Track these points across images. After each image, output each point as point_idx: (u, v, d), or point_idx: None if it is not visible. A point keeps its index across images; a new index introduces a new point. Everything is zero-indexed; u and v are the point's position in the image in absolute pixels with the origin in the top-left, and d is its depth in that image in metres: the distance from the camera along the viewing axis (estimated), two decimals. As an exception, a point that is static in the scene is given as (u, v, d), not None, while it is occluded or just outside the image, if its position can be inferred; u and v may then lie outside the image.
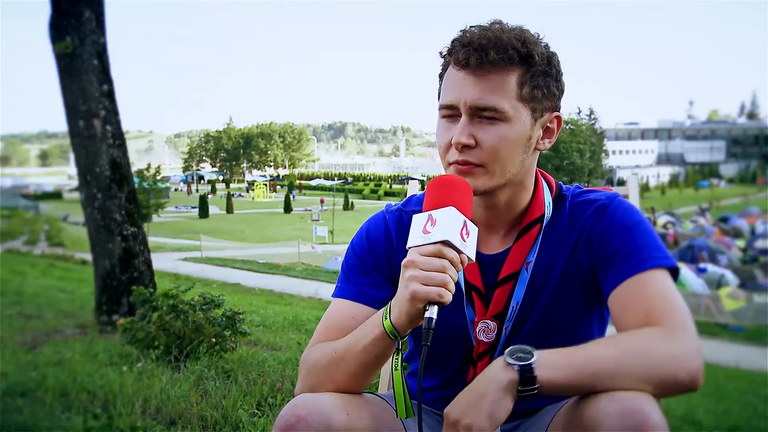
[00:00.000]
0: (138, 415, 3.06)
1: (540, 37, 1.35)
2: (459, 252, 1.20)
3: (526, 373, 1.13)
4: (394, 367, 1.26)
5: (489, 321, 1.40)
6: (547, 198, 1.43)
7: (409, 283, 1.18)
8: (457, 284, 1.22)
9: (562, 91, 1.38)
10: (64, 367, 4.08)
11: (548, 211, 1.42)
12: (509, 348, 1.17)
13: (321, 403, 1.24)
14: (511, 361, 1.15)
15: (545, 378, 1.14)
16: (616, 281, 1.30)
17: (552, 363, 1.15)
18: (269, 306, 10.18)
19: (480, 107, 1.30)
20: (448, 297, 1.18)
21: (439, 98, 1.38)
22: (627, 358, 1.15)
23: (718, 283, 21.62)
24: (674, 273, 1.30)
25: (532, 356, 1.15)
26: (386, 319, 1.25)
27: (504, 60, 1.29)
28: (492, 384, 1.15)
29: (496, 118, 1.30)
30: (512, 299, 1.39)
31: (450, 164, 1.34)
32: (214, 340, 4.10)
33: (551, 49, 1.36)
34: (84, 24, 5.85)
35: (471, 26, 1.34)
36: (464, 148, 1.31)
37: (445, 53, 1.36)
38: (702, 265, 24.71)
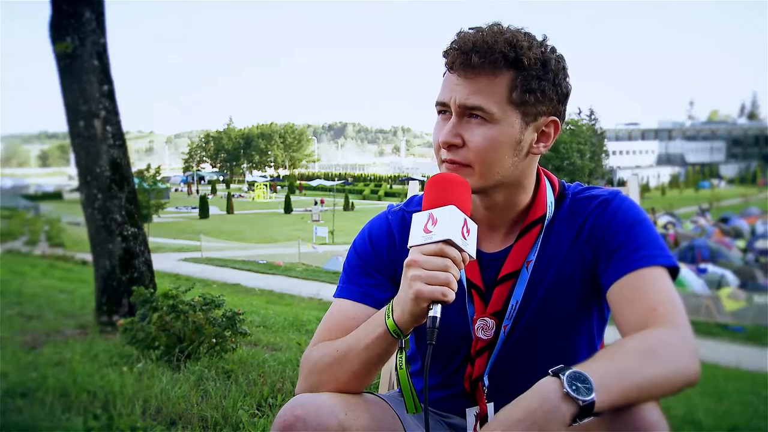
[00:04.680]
0: (138, 415, 3.06)
1: (545, 40, 1.34)
2: (460, 250, 1.20)
3: (588, 408, 1.05)
4: (399, 366, 1.26)
5: (487, 318, 1.41)
6: (550, 197, 1.44)
7: (412, 282, 1.19)
8: (459, 282, 1.22)
9: (563, 95, 1.36)
10: (65, 367, 4.08)
11: (550, 211, 1.42)
12: (564, 372, 1.06)
13: (320, 403, 1.24)
14: (573, 393, 1.04)
15: (602, 405, 1.06)
16: (618, 274, 1.30)
17: (604, 388, 1.07)
18: (269, 306, 10.17)
19: (468, 107, 1.31)
20: (451, 296, 1.18)
21: None
22: (658, 367, 1.13)
23: (718, 284, 21.62)
24: (674, 272, 1.31)
25: (592, 387, 1.05)
26: (389, 317, 1.25)
27: (488, 64, 1.29)
28: (551, 419, 1.04)
29: (483, 118, 1.31)
30: (512, 298, 1.40)
31: (442, 162, 1.35)
32: (214, 340, 4.09)
33: (556, 52, 1.34)
34: (84, 24, 5.85)
35: (469, 28, 1.34)
36: (451, 147, 1.33)
37: (443, 54, 1.37)
38: (702, 266, 24.71)
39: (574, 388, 1.05)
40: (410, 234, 1.23)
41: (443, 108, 1.36)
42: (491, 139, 1.31)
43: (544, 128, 1.37)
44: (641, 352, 1.14)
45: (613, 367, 1.11)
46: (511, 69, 1.30)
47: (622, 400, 1.09)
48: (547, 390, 1.06)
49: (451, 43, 1.34)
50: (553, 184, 1.47)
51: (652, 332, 1.19)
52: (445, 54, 1.34)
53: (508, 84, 1.30)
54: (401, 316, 1.23)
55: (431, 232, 1.20)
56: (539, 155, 1.40)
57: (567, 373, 1.06)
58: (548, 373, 1.08)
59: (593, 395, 1.05)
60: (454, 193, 1.25)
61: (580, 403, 1.04)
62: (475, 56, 1.28)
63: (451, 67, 1.32)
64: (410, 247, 1.22)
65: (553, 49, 1.35)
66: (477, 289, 1.42)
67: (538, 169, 1.44)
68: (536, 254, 1.40)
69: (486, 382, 1.42)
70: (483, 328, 1.41)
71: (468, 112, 1.31)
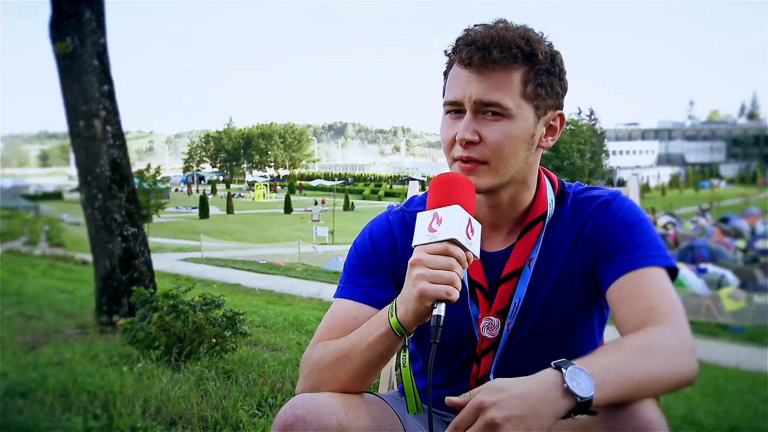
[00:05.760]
0: (138, 415, 3.06)
1: (544, 36, 1.36)
2: (465, 249, 1.21)
3: (584, 404, 1.06)
4: (402, 364, 1.27)
5: (492, 317, 1.41)
6: (550, 195, 1.45)
7: (416, 281, 1.19)
8: (462, 281, 1.22)
9: (565, 90, 1.39)
10: (65, 367, 4.08)
11: (551, 209, 1.43)
12: (567, 367, 1.07)
13: (320, 403, 1.24)
14: (573, 389, 1.05)
15: (597, 402, 1.07)
16: (617, 274, 1.31)
17: (602, 383, 1.08)
18: (269, 306, 10.16)
19: (485, 102, 1.31)
20: (455, 294, 1.18)
21: (443, 96, 1.39)
22: (656, 365, 1.14)
23: (718, 284, 21.64)
24: (673, 273, 1.32)
25: (592, 385, 1.06)
26: (392, 316, 1.25)
27: (507, 58, 1.29)
28: (547, 406, 1.05)
29: (500, 114, 1.31)
30: (515, 295, 1.40)
31: (455, 160, 1.35)
32: (214, 340, 4.09)
33: (555, 48, 1.37)
34: (84, 24, 5.84)
35: (476, 25, 1.35)
36: (468, 144, 1.32)
37: (449, 52, 1.36)
38: (702, 266, 24.71)
39: (574, 383, 1.06)
40: (415, 233, 1.24)
41: (455, 107, 1.35)
42: (508, 134, 1.32)
43: (551, 122, 1.39)
44: (639, 349, 1.15)
45: (611, 363, 1.12)
46: (525, 63, 1.31)
47: (619, 397, 1.10)
48: (548, 381, 1.07)
49: (460, 39, 1.33)
50: (552, 182, 1.47)
51: (651, 330, 1.20)
52: (455, 51, 1.34)
53: (522, 78, 1.31)
54: (405, 314, 1.23)
55: (436, 231, 1.21)
56: (543, 150, 1.41)
57: (569, 368, 1.07)
58: (551, 365, 1.09)
59: (592, 393, 1.06)
60: (458, 193, 1.25)
61: (578, 400, 1.06)
62: (495, 51, 1.29)
63: (468, 63, 1.31)
64: (415, 246, 1.22)
65: (552, 45, 1.37)
66: (481, 289, 1.42)
67: (538, 167, 1.45)
68: (538, 252, 1.41)
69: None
70: (488, 327, 1.42)
71: (484, 109, 1.31)
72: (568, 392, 1.06)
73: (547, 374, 1.08)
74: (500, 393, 1.05)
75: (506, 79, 1.30)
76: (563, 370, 1.07)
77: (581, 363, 1.09)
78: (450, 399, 1.10)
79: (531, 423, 1.04)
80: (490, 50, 1.29)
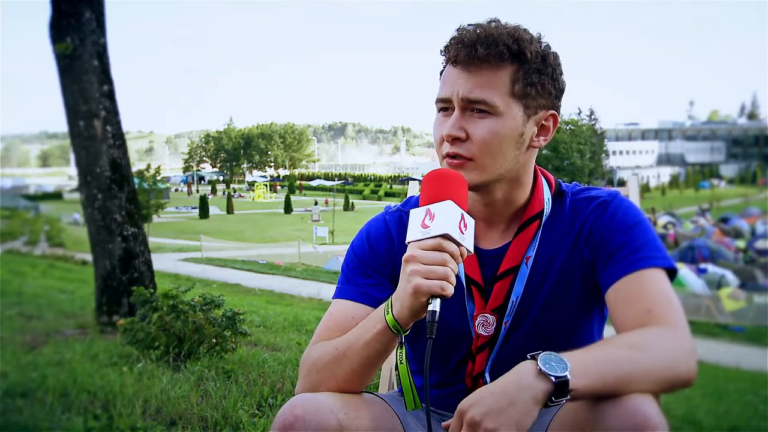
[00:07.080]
0: (138, 415, 3.06)
1: (540, 37, 1.36)
2: (458, 245, 1.21)
3: (561, 385, 1.08)
4: (399, 361, 1.27)
5: (488, 315, 1.42)
6: (546, 194, 1.45)
7: (411, 277, 1.20)
8: (458, 279, 1.22)
9: (560, 90, 1.39)
10: (65, 367, 4.08)
11: (547, 207, 1.43)
12: (540, 354, 1.11)
13: (319, 403, 1.25)
14: (547, 370, 1.08)
15: (577, 386, 1.09)
16: (616, 276, 1.31)
17: (582, 371, 1.10)
18: (269, 306, 10.16)
19: (471, 100, 1.32)
20: (450, 290, 1.19)
21: None
22: (645, 360, 1.15)
23: (718, 284, 21.65)
24: (672, 273, 1.32)
25: (567, 366, 1.09)
26: (388, 313, 1.26)
27: (493, 56, 1.30)
28: (524, 392, 1.08)
29: (487, 111, 1.32)
30: (512, 294, 1.40)
31: (444, 157, 1.36)
32: (214, 340, 4.10)
33: (550, 49, 1.37)
34: (84, 24, 5.85)
35: (469, 24, 1.36)
36: (455, 140, 1.33)
37: (442, 51, 1.38)
38: (702, 266, 24.72)
39: (548, 366, 1.09)
40: (408, 230, 1.24)
41: (445, 105, 1.36)
42: (495, 132, 1.32)
43: (543, 122, 1.39)
44: (628, 344, 1.18)
45: (593, 355, 1.15)
46: (513, 62, 1.32)
47: (602, 386, 1.12)
48: (523, 369, 1.11)
49: (452, 38, 1.35)
50: (549, 181, 1.48)
51: (644, 330, 1.21)
52: (446, 49, 1.35)
53: (511, 77, 1.32)
54: (400, 311, 1.24)
55: (429, 227, 1.21)
56: (538, 149, 1.41)
57: (543, 354, 1.11)
58: (527, 357, 1.13)
59: (567, 373, 1.08)
60: (450, 189, 1.26)
61: (553, 380, 1.08)
62: (481, 48, 1.29)
63: (454, 60, 1.33)
64: (408, 242, 1.23)
65: (549, 46, 1.37)
66: (477, 286, 1.42)
67: (534, 167, 1.45)
68: (535, 250, 1.41)
69: (488, 379, 1.42)
70: (483, 324, 1.42)
71: (471, 106, 1.32)
72: (542, 374, 1.09)
73: (522, 364, 1.12)
74: (477, 394, 1.10)
75: (494, 77, 1.31)
76: (537, 357, 1.11)
77: (562, 354, 1.12)
78: (445, 425, 1.15)
79: (511, 413, 1.07)
80: (476, 47, 1.30)
